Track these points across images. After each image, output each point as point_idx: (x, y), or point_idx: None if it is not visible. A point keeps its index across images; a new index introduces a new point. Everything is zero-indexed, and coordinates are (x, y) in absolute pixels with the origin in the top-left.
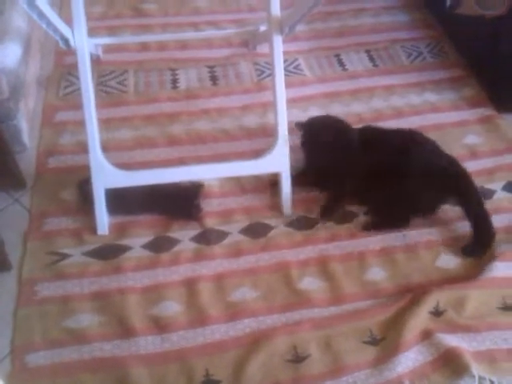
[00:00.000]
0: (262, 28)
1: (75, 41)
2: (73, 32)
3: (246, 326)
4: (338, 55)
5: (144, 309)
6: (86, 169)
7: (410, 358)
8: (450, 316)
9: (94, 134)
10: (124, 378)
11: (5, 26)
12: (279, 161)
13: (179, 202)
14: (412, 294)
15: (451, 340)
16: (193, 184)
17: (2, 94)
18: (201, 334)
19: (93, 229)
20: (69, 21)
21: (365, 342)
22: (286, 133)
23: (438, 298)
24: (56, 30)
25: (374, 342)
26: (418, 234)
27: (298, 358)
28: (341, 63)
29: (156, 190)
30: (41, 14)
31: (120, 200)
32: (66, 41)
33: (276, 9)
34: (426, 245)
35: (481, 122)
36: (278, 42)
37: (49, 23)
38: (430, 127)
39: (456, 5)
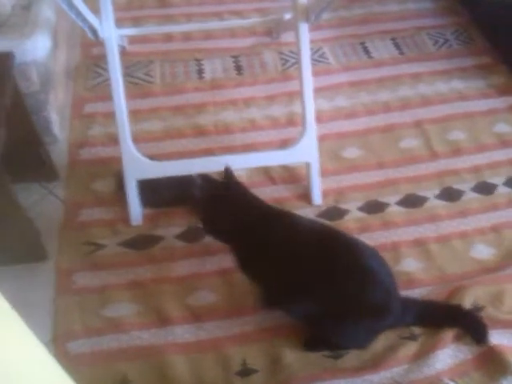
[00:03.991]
0: (287, 16)
1: (103, 32)
2: (101, 23)
3: (281, 315)
4: (363, 43)
5: (179, 298)
6: (117, 160)
7: (449, 355)
8: (489, 312)
9: (124, 126)
10: (162, 365)
11: (35, 17)
12: (307, 151)
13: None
14: (448, 290)
15: (492, 337)
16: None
17: (33, 86)
18: (236, 324)
19: (127, 219)
20: (94, 10)
21: (403, 338)
22: (314, 123)
23: (475, 293)
24: (85, 20)
25: (412, 337)
26: (452, 224)
27: (336, 354)
28: (366, 51)
29: (187, 185)
30: (71, 5)
31: (151, 193)
32: (94, 32)
33: None
34: (460, 235)
35: (511, 111)
36: (304, 30)
37: (78, 14)
38: (458, 115)
39: None
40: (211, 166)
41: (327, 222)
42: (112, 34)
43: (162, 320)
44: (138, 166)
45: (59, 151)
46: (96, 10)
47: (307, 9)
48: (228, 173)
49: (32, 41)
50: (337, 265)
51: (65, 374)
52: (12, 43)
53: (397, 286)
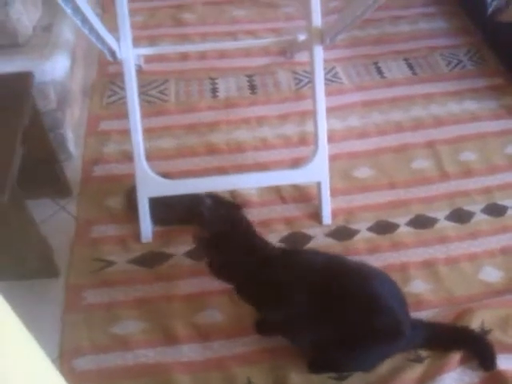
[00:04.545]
0: (301, 37)
1: (121, 53)
2: (119, 44)
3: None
4: (376, 63)
5: (186, 316)
6: (130, 177)
7: (455, 379)
8: (496, 335)
9: (139, 145)
10: None
11: (55, 39)
12: (319, 170)
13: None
14: (455, 312)
15: (499, 362)
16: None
17: (50, 105)
18: (242, 344)
19: (137, 236)
20: (111, 29)
21: (410, 360)
22: (326, 143)
23: (483, 316)
24: (104, 42)
25: (419, 359)
26: (461, 246)
27: (341, 376)
28: (379, 71)
29: (197, 204)
30: (91, 29)
31: (162, 210)
32: (112, 53)
33: (317, 19)
34: (469, 257)
35: None
36: (318, 52)
37: (98, 37)
38: (470, 136)
39: (498, 12)
40: (223, 185)
41: (336, 242)
42: (130, 55)
43: (169, 338)
44: (151, 184)
45: (73, 168)
46: (112, 29)
47: (322, 32)
48: (236, 210)
49: (51, 61)
50: (342, 294)
51: None
52: (32, 63)
53: (408, 309)
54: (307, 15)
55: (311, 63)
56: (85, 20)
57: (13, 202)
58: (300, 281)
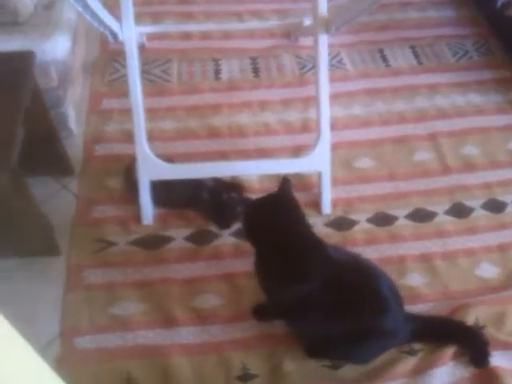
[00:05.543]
0: (306, 22)
1: (123, 35)
2: (121, 26)
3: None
4: (381, 50)
5: (185, 300)
6: (131, 157)
7: (447, 373)
8: (489, 332)
9: (140, 127)
10: (165, 365)
11: (56, 18)
12: (320, 160)
13: (216, 210)
14: (450, 307)
15: (491, 358)
16: (232, 197)
17: (51, 83)
18: (239, 329)
19: (138, 218)
20: (113, 8)
21: (403, 352)
22: (328, 133)
23: (477, 313)
24: (102, 23)
25: (412, 352)
26: (459, 241)
27: (335, 364)
28: (384, 59)
29: (198, 189)
30: (93, 14)
31: (164, 193)
32: (114, 35)
33: (323, 7)
34: (467, 252)
35: None
36: (323, 41)
37: (100, 21)
38: (473, 130)
39: (508, 6)
40: (224, 170)
41: (335, 232)
42: (132, 37)
43: (168, 320)
44: (152, 167)
45: (75, 146)
46: (114, 5)
47: (327, 20)
48: (284, 184)
49: (52, 41)
50: (353, 289)
51: None
52: (33, 42)
53: (403, 305)
54: (313, 2)
55: (315, 51)
56: (86, 6)
57: (14, 182)
58: (324, 267)
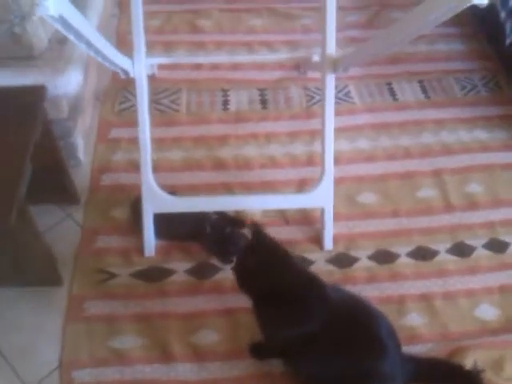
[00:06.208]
0: (315, 58)
1: (135, 72)
2: (133, 64)
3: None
4: (389, 83)
5: (184, 335)
6: (137, 188)
7: None
8: (488, 377)
9: (146, 159)
10: None
11: (69, 53)
12: (323, 196)
13: (218, 244)
14: (449, 348)
15: None
16: (235, 231)
17: (61, 114)
18: (237, 367)
19: (140, 249)
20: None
21: None
22: (332, 169)
23: (476, 356)
24: (116, 65)
25: None
26: (460, 281)
27: None
28: (392, 92)
29: (201, 222)
30: (104, 56)
31: (167, 225)
32: (125, 72)
33: (332, 47)
34: (467, 292)
35: None
36: (330, 80)
37: (111, 62)
38: (478, 167)
39: None
40: (228, 204)
41: (336, 269)
42: (143, 72)
43: (166, 356)
44: (157, 200)
45: (82, 175)
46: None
47: (335, 60)
48: (255, 230)
49: (65, 76)
50: (353, 332)
51: None
52: (46, 77)
53: (401, 347)
54: (322, 42)
55: (322, 89)
56: (98, 51)
57: (20, 217)
58: (321, 309)
